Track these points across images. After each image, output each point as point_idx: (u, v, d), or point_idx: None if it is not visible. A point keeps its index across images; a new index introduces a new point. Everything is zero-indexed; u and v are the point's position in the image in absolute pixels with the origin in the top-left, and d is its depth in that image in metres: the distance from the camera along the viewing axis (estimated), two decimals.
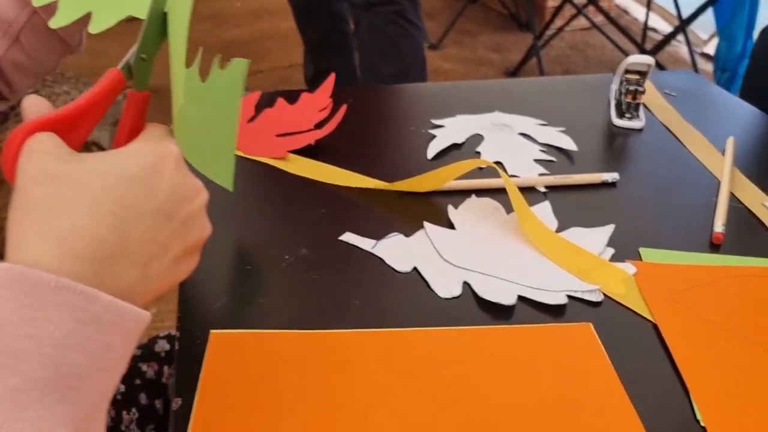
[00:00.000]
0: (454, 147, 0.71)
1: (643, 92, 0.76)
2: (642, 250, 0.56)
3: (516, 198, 0.57)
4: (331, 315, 0.49)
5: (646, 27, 2.53)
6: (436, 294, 0.51)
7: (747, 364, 0.45)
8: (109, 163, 0.33)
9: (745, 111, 0.84)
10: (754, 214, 0.62)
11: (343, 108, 0.71)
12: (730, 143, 0.72)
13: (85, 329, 0.28)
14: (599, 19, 2.50)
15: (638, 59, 0.75)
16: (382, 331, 0.47)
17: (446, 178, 0.61)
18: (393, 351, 0.46)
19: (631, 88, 0.76)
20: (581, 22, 2.63)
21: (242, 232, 0.57)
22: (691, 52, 2.30)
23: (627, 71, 0.77)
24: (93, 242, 0.30)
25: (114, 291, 0.30)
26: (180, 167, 0.35)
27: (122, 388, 0.70)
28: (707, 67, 2.40)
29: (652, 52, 2.16)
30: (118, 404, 0.68)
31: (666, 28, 2.73)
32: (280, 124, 0.73)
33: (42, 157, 0.32)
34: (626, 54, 2.52)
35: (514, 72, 2.46)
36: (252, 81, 2.54)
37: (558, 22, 2.50)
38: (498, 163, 0.68)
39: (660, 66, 2.20)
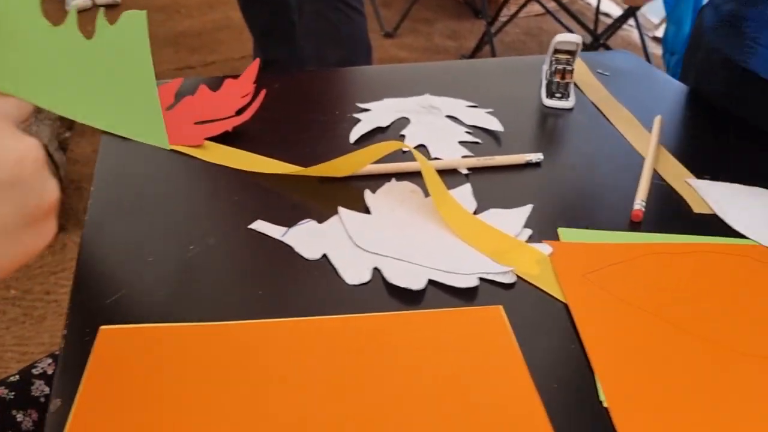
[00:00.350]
0: (379, 131, 0.69)
1: (571, 71, 0.75)
2: (560, 230, 0.55)
3: (432, 180, 0.55)
4: (234, 306, 0.47)
5: (598, 12, 2.55)
6: (345, 281, 0.49)
7: (655, 343, 0.44)
8: None
9: (678, 90, 0.84)
10: (676, 192, 0.61)
11: (262, 93, 0.69)
12: (656, 122, 0.72)
13: None
14: (552, 5, 2.51)
15: (566, 38, 0.74)
16: (284, 320, 0.45)
17: (363, 161, 0.59)
18: (296, 341, 0.44)
19: (560, 67, 0.75)
20: (535, 8, 2.64)
21: (147, 223, 0.55)
22: (642, 36, 2.31)
23: (556, 51, 0.76)
24: None
25: None
26: None
27: (46, 389, 0.67)
28: (658, 50, 2.43)
29: (604, 37, 2.18)
30: (41, 406, 0.65)
31: (618, 12, 2.75)
32: (199, 111, 0.70)
33: None
34: None
35: (468, 59, 2.46)
36: (204, 72, 2.49)
37: (512, 8, 2.50)
38: (422, 146, 0.66)
39: (609, 50, 2.21)
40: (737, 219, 0.57)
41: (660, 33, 2.59)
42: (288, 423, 0.38)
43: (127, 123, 0.46)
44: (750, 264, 0.52)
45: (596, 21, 2.52)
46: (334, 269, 0.50)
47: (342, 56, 1.43)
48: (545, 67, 0.79)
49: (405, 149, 0.63)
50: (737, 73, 0.75)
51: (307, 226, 0.54)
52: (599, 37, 2.14)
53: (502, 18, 2.52)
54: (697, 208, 0.59)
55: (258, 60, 0.76)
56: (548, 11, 2.52)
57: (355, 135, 0.68)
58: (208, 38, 2.68)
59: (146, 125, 0.48)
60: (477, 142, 0.68)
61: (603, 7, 2.64)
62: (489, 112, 0.73)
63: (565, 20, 2.46)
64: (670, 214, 0.59)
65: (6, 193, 0.30)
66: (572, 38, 0.74)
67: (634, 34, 2.59)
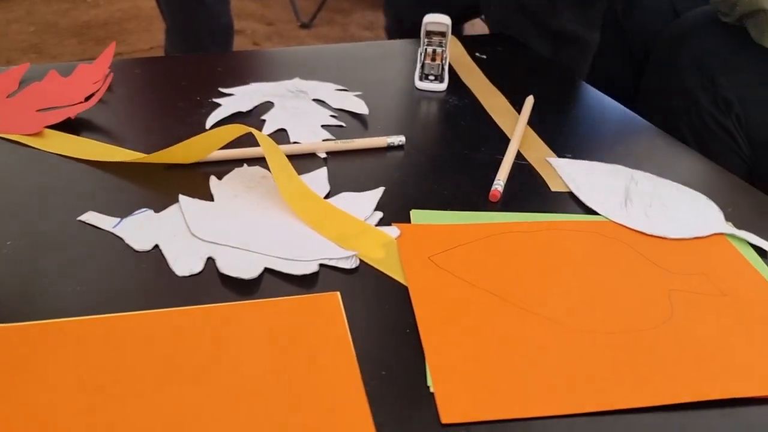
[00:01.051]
0: (239, 116, 0.66)
1: (442, 53, 0.74)
2: (412, 212, 0.53)
3: (276, 163, 0.53)
4: (46, 305, 0.43)
5: None
6: (175, 273, 0.46)
7: (493, 324, 0.43)
8: None
9: (554, 71, 0.84)
10: (537, 171, 0.61)
11: (109, 79, 0.65)
12: (527, 102, 0.71)
13: None
14: None
15: (435, 18, 0.73)
16: (100, 317, 0.42)
17: (209, 147, 0.56)
18: (114, 338, 0.40)
19: (430, 49, 0.74)
20: None
21: None
22: None
23: (428, 32, 0.75)
24: None
25: None
26: None
27: None
28: None
29: None
30: None
31: None
32: (45, 98, 0.65)
33: None
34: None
35: None
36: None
37: None
38: (282, 130, 0.64)
39: None
40: (591, 196, 0.57)
41: None
42: (103, 423, 0.35)
43: None
44: (599, 240, 0.52)
45: None
46: (165, 260, 0.47)
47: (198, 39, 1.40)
48: (420, 50, 0.78)
49: (268, 134, 0.60)
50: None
51: (143, 215, 0.51)
52: None
53: None
54: (554, 187, 0.59)
55: (114, 43, 0.71)
56: None
57: (212, 120, 0.64)
58: (116, 28, 2.57)
59: None
60: (341, 126, 0.66)
61: None
62: (357, 95, 0.71)
63: None
64: (528, 193, 0.58)
65: None
66: (442, 19, 0.73)
67: None
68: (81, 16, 2.65)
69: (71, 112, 0.62)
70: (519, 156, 0.63)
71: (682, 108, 0.85)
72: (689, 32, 0.85)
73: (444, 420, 0.36)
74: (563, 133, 0.68)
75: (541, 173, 0.60)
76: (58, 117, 0.61)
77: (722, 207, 0.57)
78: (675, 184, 0.60)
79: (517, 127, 0.67)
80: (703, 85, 0.83)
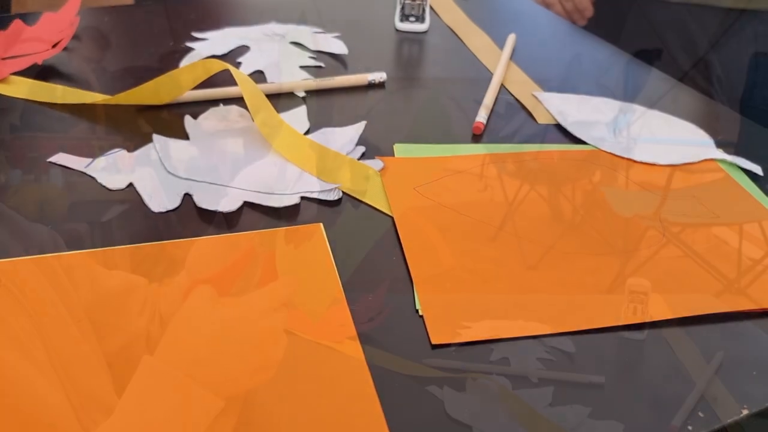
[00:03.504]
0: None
1: None
2: (396, 146, 0.52)
3: (254, 100, 0.51)
4: (16, 244, 0.41)
5: None
6: (151, 209, 0.44)
7: (478, 248, 0.42)
8: None
9: (536, 11, 0.82)
10: (523, 105, 0.59)
11: (74, 24, 0.62)
12: (510, 39, 0.69)
13: None
14: None
15: None
16: (78, 253, 0.40)
17: (182, 85, 0.54)
18: (90, 273, 0.39)
19: None
20: None
21: None
22: None
23: None
24: None
25: None
26: None
27: None
28: None
29: None
30: None
31: None
32: (9, 46, 0.62)
33: None
34: None
35: None
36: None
37: None
38: (259, 72, 0.62)
39: None
40: (579, 126, 0.55)
41: None
42: (92, 354, 0.33)
43: None
44: (588, 167, 0.51)
45: None
46: (140, 198, 0.45)
47: None
48: None
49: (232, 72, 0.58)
50: None
51: (116, 155, 0.48)
52: None
53: None
54: (541, 119, 0.57)
55: None
56: None
57: (185, 64, 0.62)
58: None
59: None
60: (320, 66, 0.63)
61: None
62: (336, 37, 0.69)
63: None
64: (514, 126, 0.56)
65: None
66: None
67: None
68: None
69: (38, 59, 0.59)
70: (504, 92, 0.61)
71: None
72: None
73: (434, 341, 0.35)
74: (549, 70, 0.67)
75: (527, 107, 0.59)
76: (25, 63, 0.59)
77: (713, 135, 0.56)
78: (665, 114, 0.59)
79: (500, 61, 0.65)
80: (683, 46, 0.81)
